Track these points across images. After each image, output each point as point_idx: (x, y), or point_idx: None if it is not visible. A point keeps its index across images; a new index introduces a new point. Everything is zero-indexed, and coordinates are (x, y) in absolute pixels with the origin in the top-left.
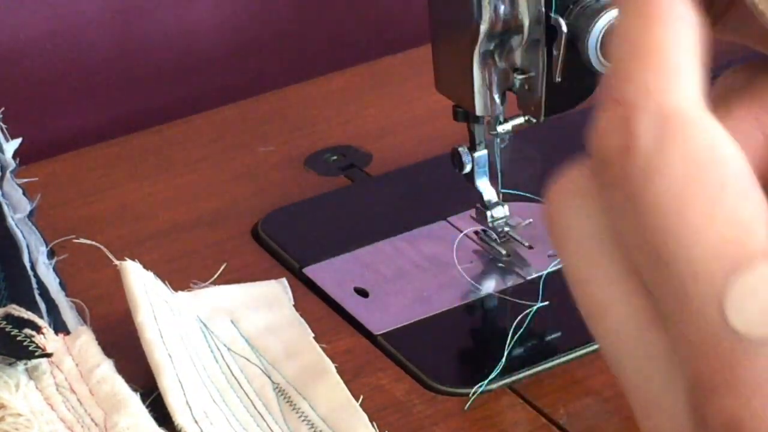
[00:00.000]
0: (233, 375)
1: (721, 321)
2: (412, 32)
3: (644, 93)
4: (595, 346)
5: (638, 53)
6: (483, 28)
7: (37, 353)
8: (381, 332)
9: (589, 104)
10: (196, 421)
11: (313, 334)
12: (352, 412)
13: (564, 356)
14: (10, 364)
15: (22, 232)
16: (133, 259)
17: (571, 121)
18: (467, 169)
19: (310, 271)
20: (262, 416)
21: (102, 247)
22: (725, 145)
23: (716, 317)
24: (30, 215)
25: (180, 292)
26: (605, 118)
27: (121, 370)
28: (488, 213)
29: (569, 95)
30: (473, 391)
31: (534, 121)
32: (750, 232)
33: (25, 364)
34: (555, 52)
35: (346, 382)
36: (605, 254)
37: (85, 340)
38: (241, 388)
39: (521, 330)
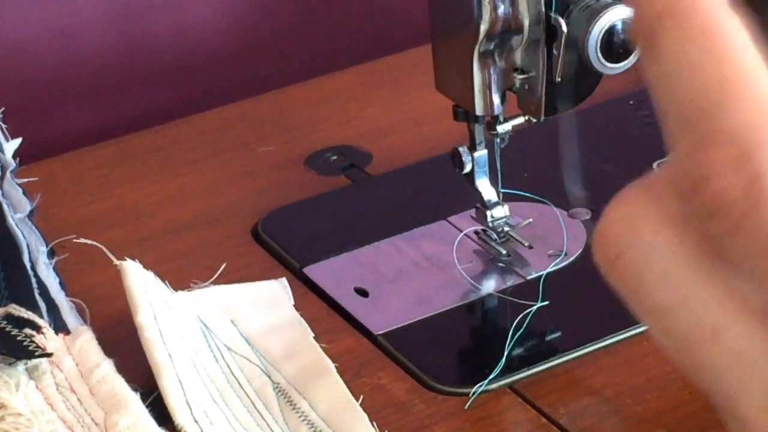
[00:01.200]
0: (233, 375)
1: None
2: (412, 32)
3: (756, 127)
4: (596, 346)
5: (725, 86)
6: (483, 28)
7: (37, 353)
8: (381, 332)
9: (589, 104)
10: (196, 421)
11: (313, 334)
12: (353, 411)
13: (564, 356)
14: (10, 364)
15: (22, 231)
16: (133, 259)
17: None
18: (467, 169)
19: (310, 271)
20: (262, 416)
21: (102, 246)
22: None
23: None
24: (30, 215)
25: (180, 292)
26: (711, 159)
27: (121, 369)
28: (488, 213)
29: (569, 95)
30: (473, 390)
31: (534, 121)
32: None
33: (25, 363)
34: (555, 52)
35: (347, 382)
36: (701, 280)
37: (85, 339)
38: (241, 387)
39: (521, 330)
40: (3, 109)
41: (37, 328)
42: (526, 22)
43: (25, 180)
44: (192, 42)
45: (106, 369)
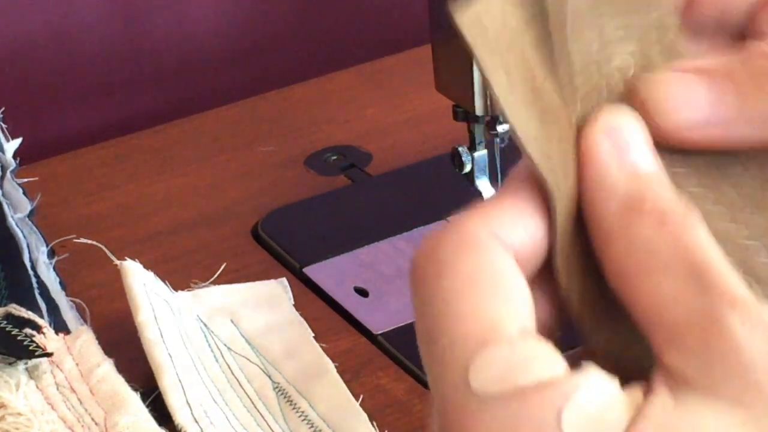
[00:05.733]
0: (233, 374)
1: (464, 382)
2: (412, 32)
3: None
4: None
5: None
6: None
7: (37, 353)
8: (381, 332)
9: None
10: (196, 421)
11: (313, 334)
12: (352, 411)
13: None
14: (10, 364)
15: (22, 231)
16: (133, 259)
17: None
18: (467, 169)
19: (310, 270)
20: (262, 416)
21: (102, 246)
22: (501, 262)
23: (461, 379)
24: (30, 215)
25: (180, 292)
26: (424, 240)
27: (121, 369)
28: None
29: None
30: None
31: None
32: (499, 325)
33: (26, 363)
34: None
35: (346, 382)
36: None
37: (85, 339)
38: (241, 387)
39: None
40: (3, 109)
41: (38, 328)
42: None
43: (25, 180)
44: (192, 42)
45: (106, 369)
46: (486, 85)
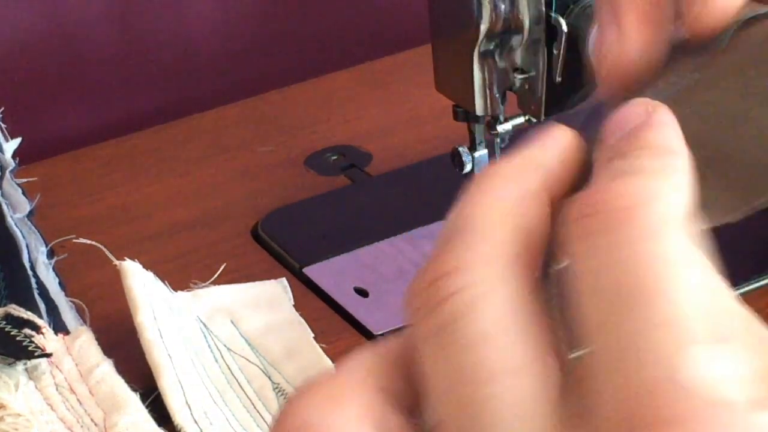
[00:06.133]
0: (233, 375)
1: (674, 368)
2: (412, 32)
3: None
4: None
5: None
6: (483, 27)
7: (36, 353)
8: (381, 332)
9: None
10: (195, 421)
11: (313, 334)
12: None
13: None
14: (9, 364)
15: (21, 231)
16: (133, 259)
17: None
18: (467, 169)
19: (310, 271)
20: (261, 416)
21: (102, 247)
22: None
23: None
24: (30, 215)
25: (180, 292)
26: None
27: (120, 370)
28: None
29: (569, 95)
30: None
31: (534, 121)
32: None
33: (25, 364)
34: (555, 52)
35: None
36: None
37: (84, 340)
38: (241, 388)
39: None
40: (3, 109)
41: (37, 329)
42: (527, 22)
43: (25, 180)
44: (192, 42)
45: (105, 369)
46: None
